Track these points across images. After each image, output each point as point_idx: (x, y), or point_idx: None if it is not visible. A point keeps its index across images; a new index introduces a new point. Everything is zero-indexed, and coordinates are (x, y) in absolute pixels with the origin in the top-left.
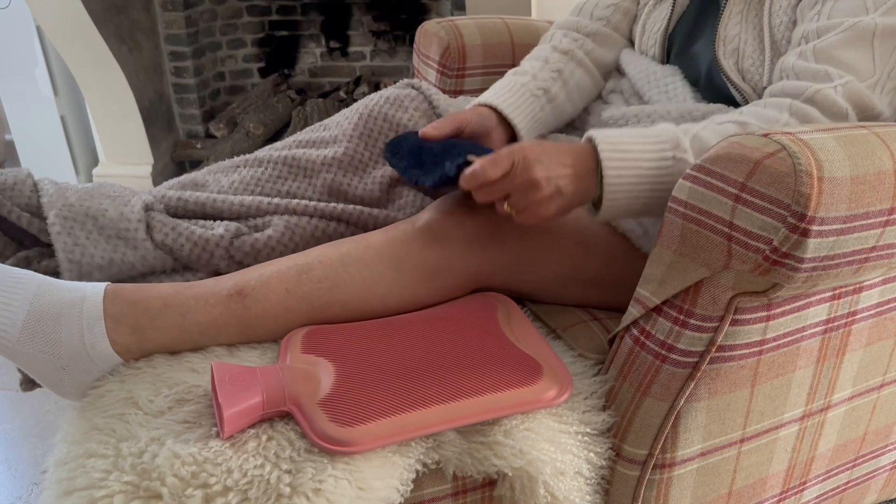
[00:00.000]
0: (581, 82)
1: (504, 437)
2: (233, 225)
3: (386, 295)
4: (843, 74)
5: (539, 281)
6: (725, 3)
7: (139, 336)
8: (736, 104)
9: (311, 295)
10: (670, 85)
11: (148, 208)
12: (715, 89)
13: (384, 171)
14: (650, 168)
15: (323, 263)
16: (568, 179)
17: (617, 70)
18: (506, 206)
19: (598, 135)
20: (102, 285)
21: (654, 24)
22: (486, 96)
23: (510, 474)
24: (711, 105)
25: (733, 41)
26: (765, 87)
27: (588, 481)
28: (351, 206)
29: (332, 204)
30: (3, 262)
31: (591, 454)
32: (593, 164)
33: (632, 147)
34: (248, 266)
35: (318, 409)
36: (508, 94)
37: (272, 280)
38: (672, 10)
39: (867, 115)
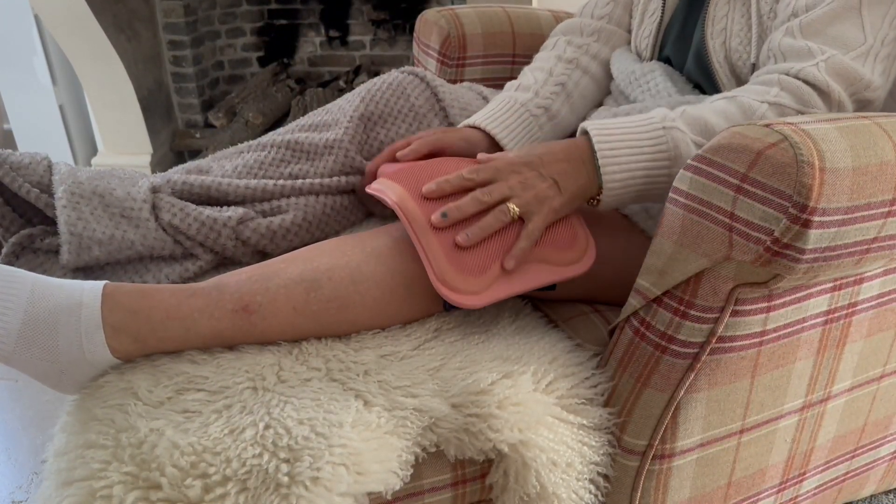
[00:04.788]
0: (586, 91)
1: (498, 409)
2: (240, 209)
3: (396, 314)
4: (826, 50)
5: (555, 291)
6: None
7: (141, 345)
8: (716, 84)
9: (319, 314)
10: (651, 81)
11: (155, 190)
12: (702, 70)
13: (390, 143)
14: (643, 140)
15: (333, 281)
16: (563, 174)
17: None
18: (510, 207)
19: (588, 124)
20: (99, 287)
21: (651, 12)
22: (478, 117)
23: (506, 451)
24: (700, 96)
25: (721, 21)
26: (753, 64)
27: (579, 476)
28: (354, 178)
29: (337, 178)
30: (8, 238)
31: (585, 448)
32: (588, 152)
33: (621, 126)
34: (255, 244)
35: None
36: (504, 113)
37: (279, 297)
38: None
39: (856, 86)
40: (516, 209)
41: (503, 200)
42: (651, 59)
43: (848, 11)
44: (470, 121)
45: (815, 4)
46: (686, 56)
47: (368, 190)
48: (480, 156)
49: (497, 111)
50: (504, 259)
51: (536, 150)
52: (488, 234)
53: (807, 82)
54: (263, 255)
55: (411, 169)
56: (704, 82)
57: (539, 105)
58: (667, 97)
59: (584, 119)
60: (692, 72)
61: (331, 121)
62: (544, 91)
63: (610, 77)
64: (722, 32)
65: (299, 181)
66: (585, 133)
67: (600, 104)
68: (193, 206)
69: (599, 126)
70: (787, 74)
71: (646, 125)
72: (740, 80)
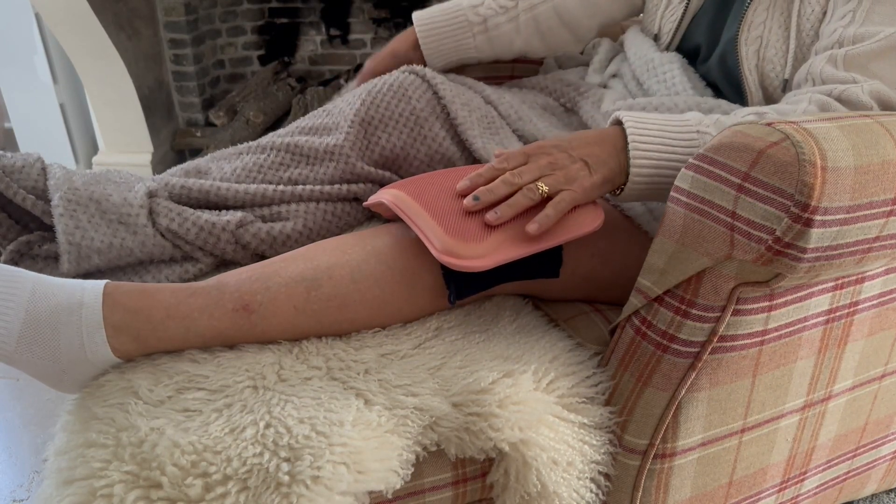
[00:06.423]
0: (543, 18)
1: (499, 408)
2: (239, 213)
3: (396, 313)
4: (869, 80)
5: (556, 290)
6: None
7: (141, 344)
8: (741, 90)
9: (319, 313)
10: (668, 73)
11: (152, 195)
12: (726, 73)
13: (391, 150)
14: (676, 139)
15: (333, 279)
16: (594, 157)
17: (621, 53)
18: (539, 185)
19: (623, 113)
20: (100, 287)
21: None
22: (418, 14)
23: (507, 450)
24: (718, 101)
25: (758, 28)
26: (786, 80)
27: (580, 475)
28: (356, 186)
29: (338, 185)
30: (5, 245)
31: (586, 446)
32: (620, 140)
33: (656, 122)
34: (255, 249)
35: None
36: (440, 16)
37: (280, 296)
38: None
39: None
40: (545, 188)
41: (533, 182)
42: (670, 45)
43: (893, 51)
44: (415, 17)
45: (862, 38)
46: (711, 52)
47: (365, 205)
48: (498, 151)
49: (437, 12)
50: (527, 224)
51: (566, 135)
52: (518, 213)
53: (849, 102)
54: (263, 257)
55: (409, 180)
56: (726, 86)
57: (479, 14)
58: (682, 92)
59: (554, 57)
60: (713, 71)
61: (331, 124)
62: (489, 3)
63: (574, 33)
64: (757, 40)
65: (299, 187)
66: (619, 123)
67: (600, 83)
68: (191, 211)
69: (635, 117)
70: (830, 95)
71: (681, 125)
72: (767, 92)
